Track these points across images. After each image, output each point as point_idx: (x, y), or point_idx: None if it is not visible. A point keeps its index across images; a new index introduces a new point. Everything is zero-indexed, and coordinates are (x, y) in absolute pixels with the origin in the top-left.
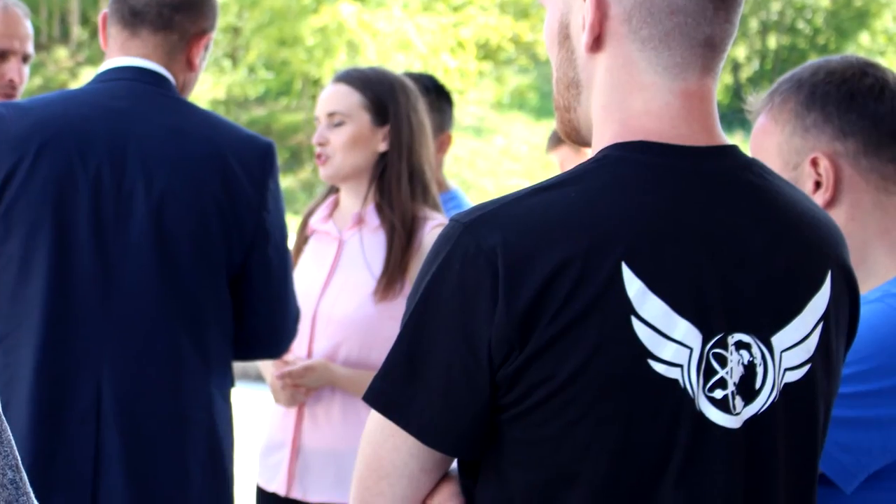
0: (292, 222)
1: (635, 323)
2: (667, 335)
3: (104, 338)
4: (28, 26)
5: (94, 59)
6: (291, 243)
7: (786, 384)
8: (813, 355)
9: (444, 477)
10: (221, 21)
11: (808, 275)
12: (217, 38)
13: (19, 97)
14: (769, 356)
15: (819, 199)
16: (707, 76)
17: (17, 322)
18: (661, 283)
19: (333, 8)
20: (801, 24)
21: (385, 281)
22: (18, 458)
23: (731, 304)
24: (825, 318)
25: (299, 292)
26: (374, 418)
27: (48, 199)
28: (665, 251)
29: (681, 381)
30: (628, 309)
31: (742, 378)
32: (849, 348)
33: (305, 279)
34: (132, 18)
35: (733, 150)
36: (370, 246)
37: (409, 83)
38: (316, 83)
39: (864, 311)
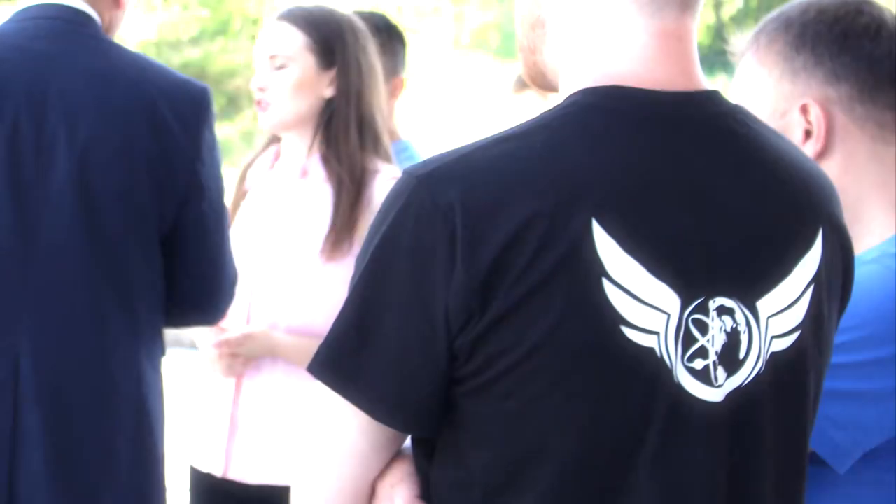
0: (230, 175)
1: (607, 286)
2: (641, 299)
3: (22, 303)
4: None
5: None
6: (229, 199)
7: (772, 353)
8: (802, 322)
9: (397, 456)
10: None
11: (798, 233)
12: None
13: None
14: (754, 323)
15: (809, 149)
16: (686, 14)
17: None
18: (636, 243)
19: None
20: None
21: (332, 239)
22: None
23: (713, 265)
24: (816, 280)
25: (237, 252)
26: (320, 391)
27: None
28: (640, 207)
29: (657, 349)
30: (599, 270)
31: (724, 347)
32: (842, 314)
33: (244, 238)
34: None
35: (715, 95)
36: (316, 201)
37: (359, 22)
38: (255, 22)
39: (860, 273)
